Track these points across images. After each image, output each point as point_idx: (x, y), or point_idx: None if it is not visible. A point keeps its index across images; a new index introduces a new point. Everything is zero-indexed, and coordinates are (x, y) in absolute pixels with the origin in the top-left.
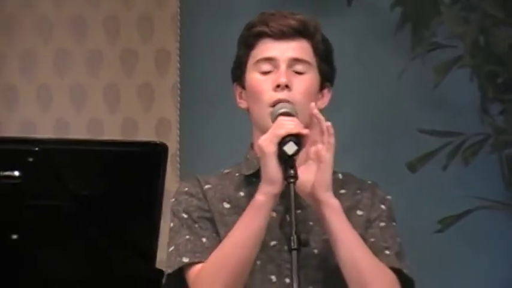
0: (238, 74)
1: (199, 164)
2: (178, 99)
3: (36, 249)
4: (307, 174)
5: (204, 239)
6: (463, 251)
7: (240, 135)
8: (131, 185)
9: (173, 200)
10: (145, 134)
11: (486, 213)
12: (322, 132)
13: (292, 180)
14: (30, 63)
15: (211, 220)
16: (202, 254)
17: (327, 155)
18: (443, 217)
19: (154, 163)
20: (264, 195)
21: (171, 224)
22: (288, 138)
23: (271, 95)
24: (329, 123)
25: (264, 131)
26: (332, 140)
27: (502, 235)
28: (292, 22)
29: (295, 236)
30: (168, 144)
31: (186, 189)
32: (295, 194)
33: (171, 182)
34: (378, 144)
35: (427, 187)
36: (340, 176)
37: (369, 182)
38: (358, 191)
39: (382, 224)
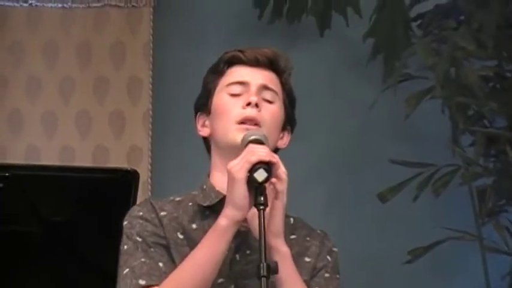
0: (203, 102)
1: (170, 192)
2: (150, 126)
3: (6, 275)
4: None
5: (160, 264)
6: (433, 282)
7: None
8: (102, 212)
9: (126, 222)
10: (116, 162)
11: (456, 244)
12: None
13: (262, 207)
14: (1, 90)
15: (166, 247)
16: (159, 277)
17: (278, 203)
18: (413, 248)
19: (125, 190)
20: (227, 220)
21: (125, 247)
22: (258, 166)
23: (239, 112)
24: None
25: (228, 148)
26: (282, 187)
27: (471, 266)
28: (266, 51)
29: (264, 264)
30: (140, 171)
31: (141, 213)
32: (247, 235)
33: None
34: (348, 173)
35: (398, 218)
36: (291, 220)
37: (318, 231)
38: (308, 238)
39: (327, 275)
